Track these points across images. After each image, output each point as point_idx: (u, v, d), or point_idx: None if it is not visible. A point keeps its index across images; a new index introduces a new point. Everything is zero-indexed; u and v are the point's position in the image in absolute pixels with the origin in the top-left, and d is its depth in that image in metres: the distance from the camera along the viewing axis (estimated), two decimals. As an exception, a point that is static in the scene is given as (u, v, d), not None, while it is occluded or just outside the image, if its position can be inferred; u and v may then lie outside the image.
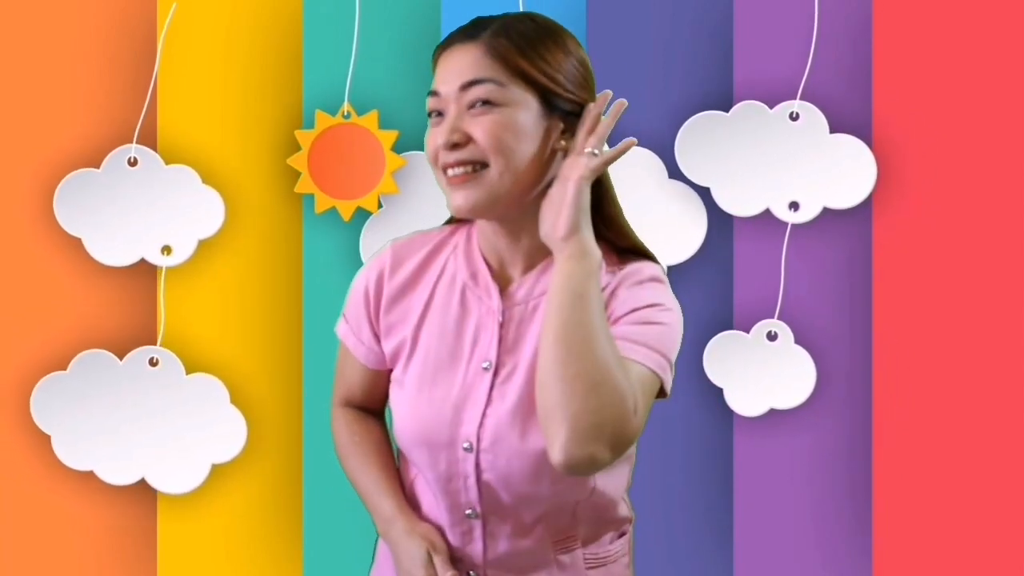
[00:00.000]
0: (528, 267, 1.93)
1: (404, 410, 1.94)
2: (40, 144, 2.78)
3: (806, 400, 2.76)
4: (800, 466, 2.80)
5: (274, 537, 2.83)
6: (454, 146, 1.84)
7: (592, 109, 1.89)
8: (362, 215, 2.75)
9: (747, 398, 2.77)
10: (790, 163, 2.73)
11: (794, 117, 2.73)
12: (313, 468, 2.80)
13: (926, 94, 2.75)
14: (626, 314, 1.87)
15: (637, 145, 1.91)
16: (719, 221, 2.76)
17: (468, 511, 1.92)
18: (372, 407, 2.11)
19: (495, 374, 1.89)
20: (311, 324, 2.80)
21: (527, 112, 1.85)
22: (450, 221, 2.05)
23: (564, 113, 1.88)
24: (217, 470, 2.77)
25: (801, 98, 2.74)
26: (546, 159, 1.88)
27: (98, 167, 2.74)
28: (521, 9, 2.68)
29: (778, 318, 2.77)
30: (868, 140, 2.72)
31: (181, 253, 2.75)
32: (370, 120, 2.72)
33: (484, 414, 1.88)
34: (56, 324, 2.79)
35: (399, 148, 2.73)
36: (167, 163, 2.75)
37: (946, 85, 2.74)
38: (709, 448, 2.82)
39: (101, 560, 2.83)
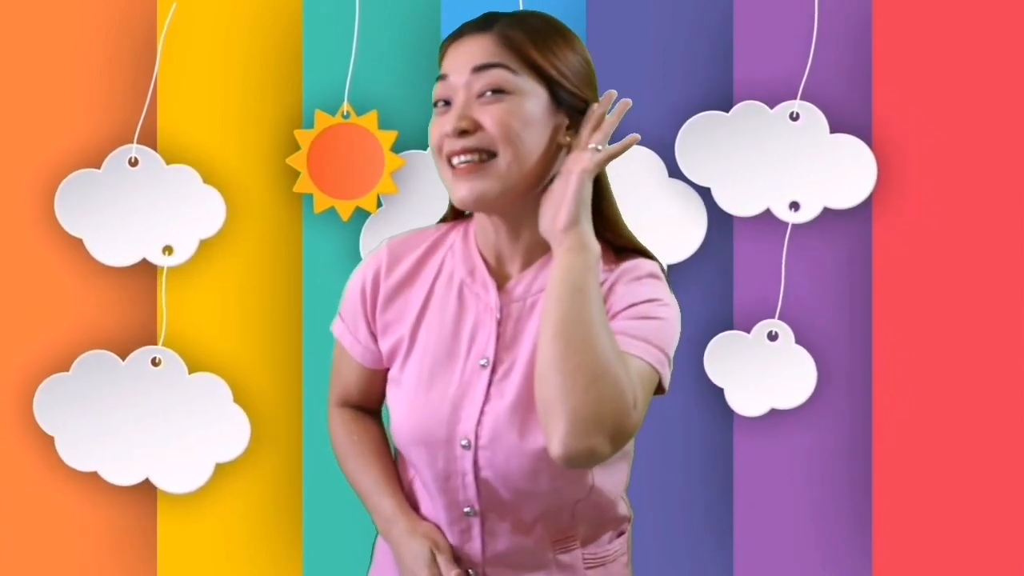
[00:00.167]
0: (526, 264, 1.94)
1: (402, 408, 1.94)
2: (41, 145, 2.78)
3: (807, 400, 2.75)
4: (800, 466, 2.80)
5: (274, 537, 2.83)
6: (462, 133, 1.84)
7: (597, 107, 1.90)
8: (361, 215, 2.75)
9: (748, 398, 2.77)
10: (790, 163, 2.73)
11: (794, 117, 2.73)
12: (313, 467, 2.81)
13: (926, 94, 2.75)
14: (624, 309, 1.87)
15: (637, 144, 1.92)
16: (719, 221, 2.76)
17: (466, 509, 1.92)
18: (369, 406, 2.11)
19: (493, 371, 1.89)
20: (311, 323, 2.80)
21: (536, 103, 1.86)
22: (445, 219, 2.05)
23: (569, 109, 1.89)
24: (217, 469, 2.77)
25: (801, 98, 2.73)
26: (551, 153, 1.89)
27: (99, 167, 2.74)
28: (521, 9, 2.68)
29: (779, 318, 2.77)
30: (868, 140, 2.72)
31: (182, 253, 2.75)
32: (369, 120, 2.72)
33: (482, 411, 1.88)
34: (58, 325, 2.79)
35: (398, 148, 2.73)
36: (168, 163, 2.75)
37: (946, 85, 2.74)
38: (709, 448, 2.82)
39: (102, 560, 2.83)
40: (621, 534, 2.06)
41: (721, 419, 2.80)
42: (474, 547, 1.95)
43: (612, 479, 1.98)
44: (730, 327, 2.78)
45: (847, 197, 2.73)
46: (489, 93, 1.84)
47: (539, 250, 1.92)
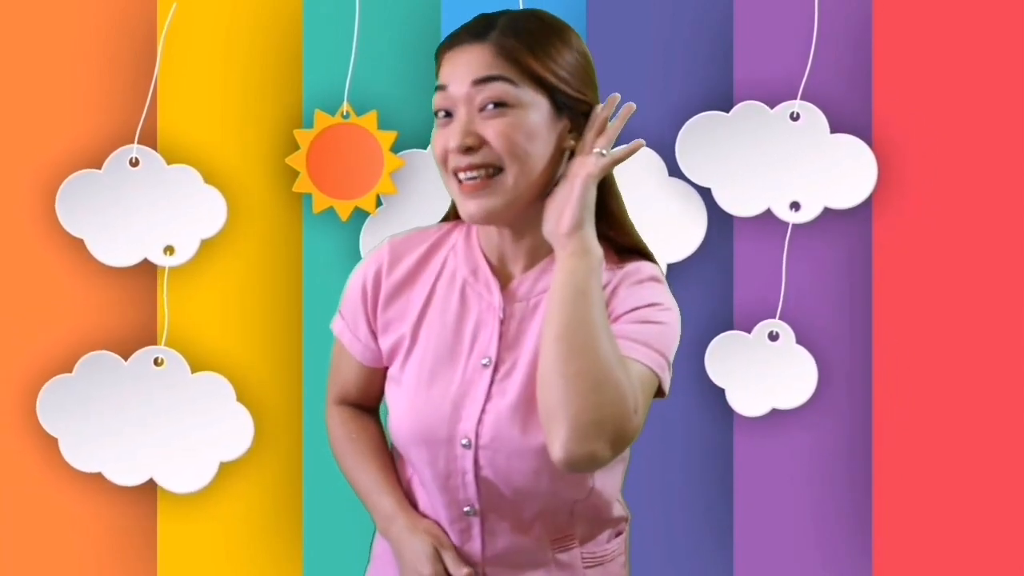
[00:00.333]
0: (529, 264, 1.94)
1: (402, 407, 1.94)
2: (41, 145, 2.78)
3: (808, 400, 2.75)
4: (801, 466, 2.80)
5: (274, 536, 2.83)
6: (467, 150, 1.84)
7: (601, 111, 1.89)
8: (360, 214, 2.75)
9: (749, 398, 2.77)
10: (791, 163, 2.73)
11: (795, 117, 2.73)
12: (313, 467, 2.81)
13: (926, 94, 2.75)
14: (626, 312, 1.87)
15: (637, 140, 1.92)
16: (719, 221, 2.76)
17: (466, 508, 1.92)
18: (367, 404, 2.11)
19: (495, 370, 1.89)
20: (311, 322, 2.80)
21: (538, 113, 1.85)
22: (446, 218, 2.05)
23: (571, 112, 1.89)
24: (220, 469, 2.77)
25: (802, 98, 2.73)
26: (556, 160, 1.89)
27: (100, 168, 2.74)
28: (521, 8, 2.68)
29: (779, 318, 2.76)
30: (868, 140, 2.72)
31: (184, 253, 2.75)
32: (369, 120, 2.72)
33: (483, 410, 1.88)
34: (60, 326, 2.79)
35: (398, 148, 2.73)
36: (168, 163, 2.75)
37: (946, 85, 2.74)
38: (711, 448, 2.82)
39: (103, 560, 2.83)
40: (619, 534, 2.06)
41: (722, 419, 2.80)
42: (474, 546, 1.95)
43: (610, 481, 1.98)
44: (730, 327, 2.78)
45: (847, 197, 2.73)
46: (491, 107, 1.84)
47: (542, 251, 1.92)
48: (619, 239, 1.97)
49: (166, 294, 2.76)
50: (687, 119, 2.74)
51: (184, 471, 2.77)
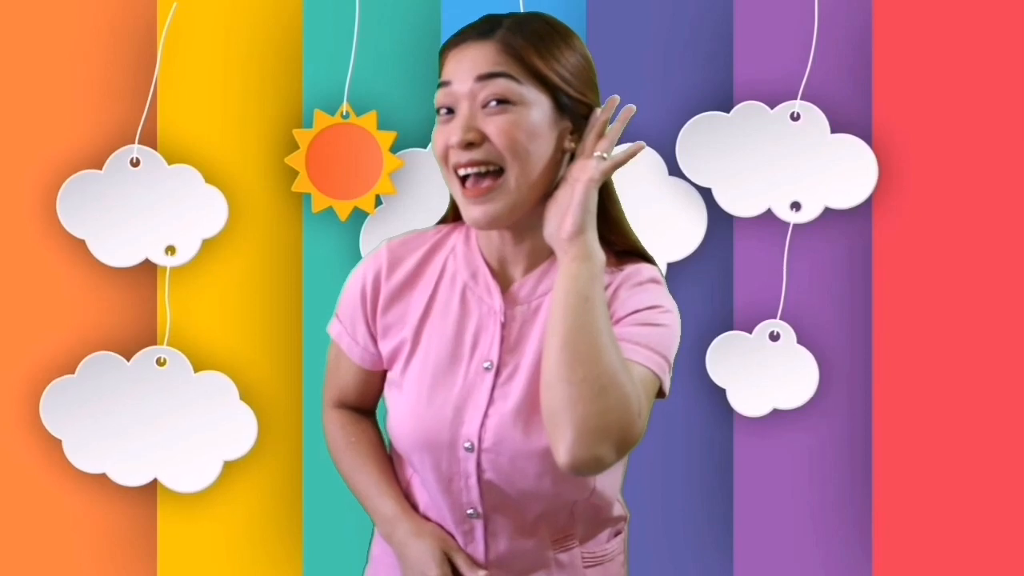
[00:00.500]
0: (529, 267, 1.93)
1: (403, 412, 1.94)
2: (42, 146, 2.78)
3: (809, 400, 2.75)
4: (802, 466, 2.80)
5: (274, 536, 2.83)
6: (468, 145, 1.84)
7: (601, 114, 1.89)
8: (360, 214, 2.75)
9: (750, 398, 2.77)
10: (791, 163, 2.73)
11: (795, 117, 2.73)
12: (313, 467, 2.81)
13: (926, 94, 2.74)
14: (627, 315, 1.87)
15: (637, 141, 1.92)
16: (719, 221, 2.76)
17: (469, 511, 1.92)
18: (364, 407, 2.11)
19: (497, 374, 1.89)
20: (311, 321, 2.80)
21: (540, 112, 1.85)
22: (444, 220, 2.05)
23: (573, 114, 1.89)
24: (223, 468, 2.78)
25: (802, 98, 2.73)
26: (556, 161, 1.89)
27: (100, 168, 2.74)
28: (522, 9, 2.68)
29: (780, 318, 2.76)
30: (868, 140, 2.72)
31: (185, 253, 2.75)
32: (369, 120, 2.72)
33: (486, 414, 1.88)
34: (62, 327, 2.79)
35: (397, 147, 2.73)
36: (169, 163, 2.75)
37: (946, 85, 2.74)
38: (713, 449, 2.81)
39: (107, 561, 2.83)
40: (618, 534, 2.07)
41: (723, 419, 2.80)
42: (477, 549, 1.95)
43: (611, 481, 1.98)
44: (730, 327, 2.78)
45: (848, 197, 2.73)
46: (494, 103, 1.84)
47: (542, 254, 1.93)
48: (618, 242, 1.97)
49: (168, 294, 2.77)
50: (687, 119, 2.75)
51: (188, 471, 2.77)
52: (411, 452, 1.93)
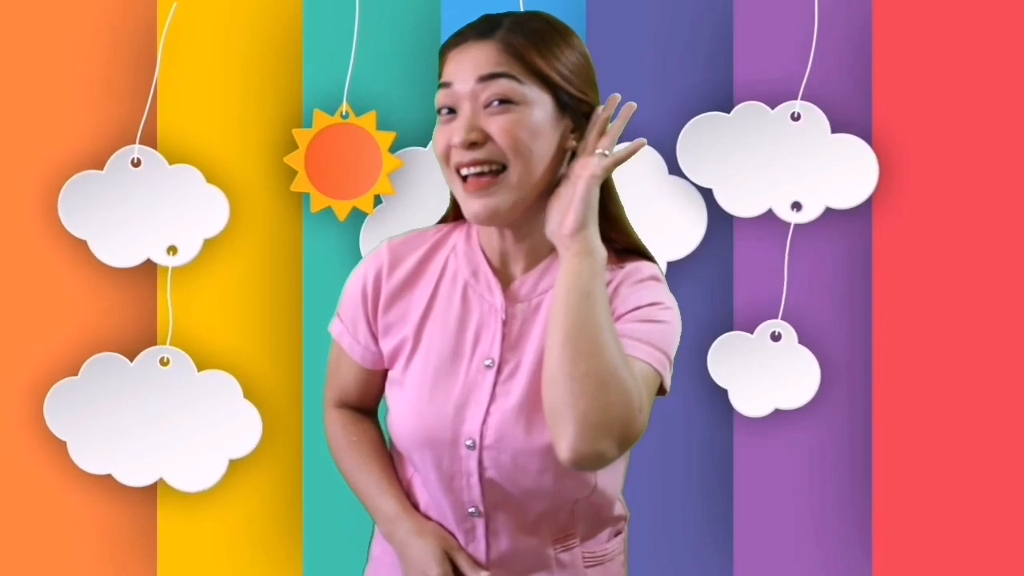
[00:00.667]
0: (530, 265, 1.94)
1: (405, 410, 1.94)
2: (43, 147, 2.78)
3: (811, 400, 2.75)
4: (803, 466, 2.80)
5: (274, 536, 2.83)
6: (471, 145, 1.84)
7: (602, 112, 1.90)
8: (359, 213, 2.75)
9: (752, 399, 2.77)
10: (792, 163, 2.73)
11: (795, 117, 2.73)
12: (313, 467, 2.81)
13: (926, 94, 2.74)
14: (628, 312, 1.88)
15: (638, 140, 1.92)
16: (720, 221, 2.76)
17: (471, 509, 1.92)
18: (366, 407, 2.11)
19: (498, 371, 1.90)
20: (312, 320, 2.80)
21: (542, 111, 1.85)
22: (445, 219, 2.05)
23: (574, 112, 1.89)
24: (229, 466, 2.78)
25: (802, 98, 2.73)
26: (558, 159, 1.89)
27: (102, 168, 2.74)
28: (522, 9, 2.68)
29: (782, 318, 2.76)
30: (868, 140, 2.72)
31: (187, 253, 2.75)
32: (368, 121, 2.72)
33: (487, 412, 1.88)
34: (64, 328, 2.79)
35: (397, 147, 2.73)
36: (170, 163, 2.75)
37: (946, 85, 2.74)
38: (713, 449, 2.81)
39: (113, 562, 2.82)
40: (618, 533, 2.07)
41: (724, 420, 2.80)
42: (478, 547, 1.96)
43: (612, 480, 1.99)
44: (730, 327, 2.78)
45: (849, 197, 2.72)
46: (496, 103, 1.84)
47: (543, 251, 1.93)
48: (619, 240, 1.97)
49: (170, 294, 2.77)
50: (687, 119, 2.75)
51: (194, 470, 2.77)
52: (412, 450, 1.93)
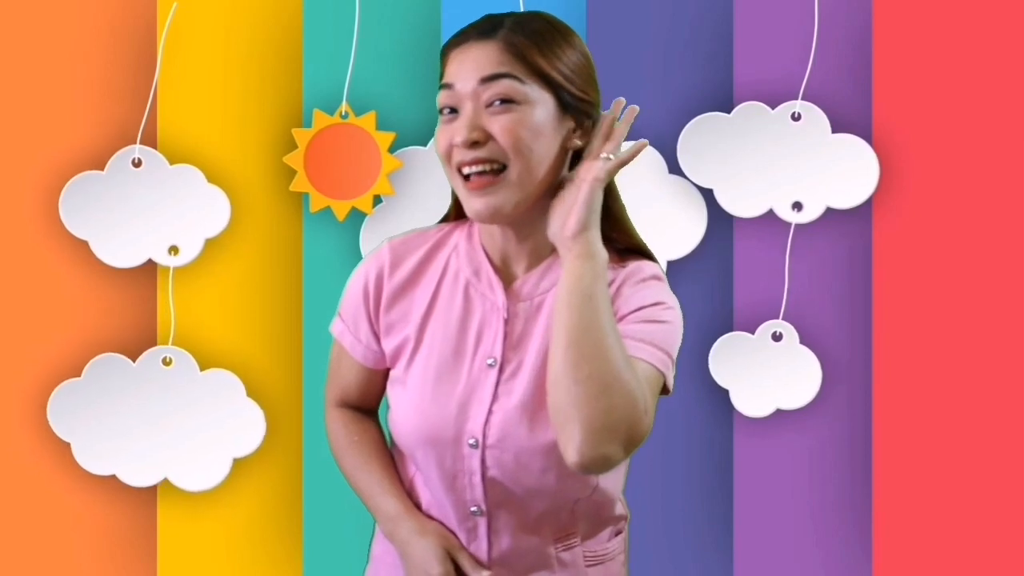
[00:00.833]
0: (532, 264, 1.94)
1: (407, 408, 1.94)
2: (43, 148, 2.77)
3: (812, 400, 2.75)
4: (802, 466, 2.80)
5: (274, 536, 2.83)
6: (473, 144, 1.84)
7: (607, 115, 1.90)
8: (358, 213, 2.75)
9: (753, 399, 2.77)
10: (793, 164, 2.73)
11: (796, 117, 2.73)
12: (313, 467, 2.81)
13: (926, 94, 2.74)
14: (631, 312, 1.88)
15: (638, 140, 1.92)
16: (720, 221, 2.76)
17: (473, 508, 1.93)
18: (367, 407, 2.11)
19: (500, 370, 1.90)
20: (312, 319, 2.80)
21: (544, 111, 1.86)
22: (446, 219, 2.05)
23: (576, 112, 1.90)
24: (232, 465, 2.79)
25: (802, 98, 2.73)
26: (560, 159, 1.90)
27: (102, 169, 2.74)
28: (522, 9, 2.68)
29: (783, 319, 2.76)
30: (868, 140, 2.72)
31: (188, 253, 2.75)
32: (368, 121, 2.72)
33: (490, 410, 1.89)
34: (66, 330, 2.78)
35: (397, 146, 2.73)
36: (171, 163, 2.75)
37: (946, 85, 2.74)
38: (713, 449, 2.81)
39: (119, 563, 2.83)
40: (619, 533, 2.08)
41: (725, 420, 2.80)
42: (480, 547, 1.96)
43: (613, 480, 1.99)
44: (730, 328, 2.78)
45: (850, 197, 2.72)
46: (498, 103, 1.84)
47: (545, 250, 1.93)
48: (620, 239, 1.98)
49: (172, 294, 2.77)
50: (687, 119, 2.75)
51: (198, 469, 2.77)
52: (415, 449, 1.94)
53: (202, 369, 2.76)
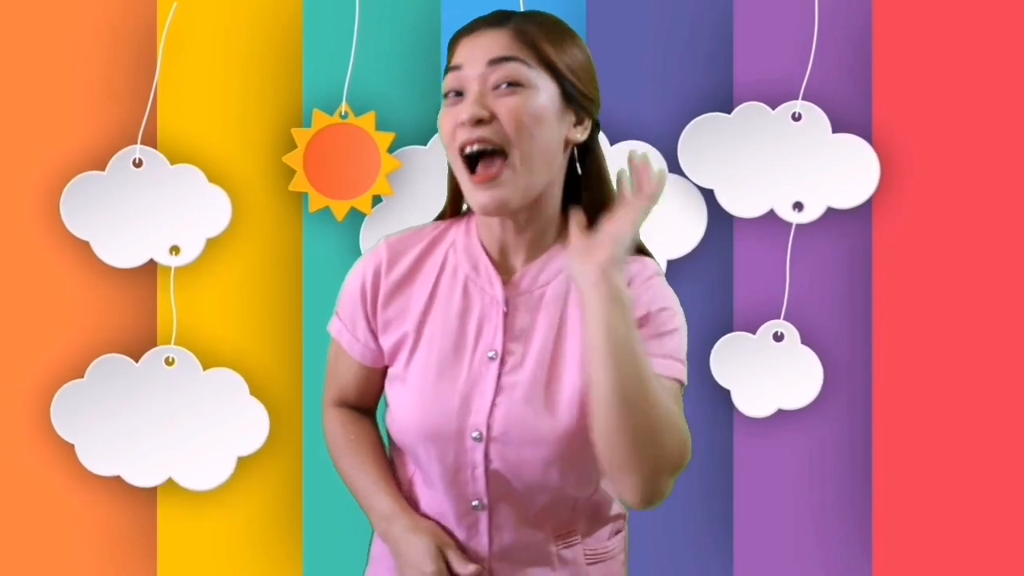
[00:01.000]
0: (531, 257, 1.95)
1: (409, 404, 1.94)
2: (44, 148, 2.78)
3: (813, 400, 2.75)
4: (802, 466, 2.80)
5: (273, 536, 2.83)
6: (478, 122, 1.85)
7: (640, 159, 1.85)
8: (357, 214, 2.75)
9: (754, 399, 2.77)
10: (793, 164, 2.73)
11: (796, 117, 2.73)
12: (313, 467, 2.81)
13: (926, 94, 2.74)
14: (639, 318, 1.88)
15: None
16: (721, 221, 2.76)
17: (475, 502, 1.93)
18: (365, 406, 2.11)
19: (502, 363, 1.91)
20: (312, 319, 2.81)
21: (548, 99, 1.87)
22: (442, 216, 2.06)
23: (577, 106, 1.91)
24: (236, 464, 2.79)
25: (803, 98, 2.73)
26: (560, 149, 1.91)
27: (103, 169, 2.75)
28: (522, 9, 2.68)
29: (784, 319, 2.76)
30: (869, 140, 2.72)
31: (189, 253, 2.76)
32: (367, 121, 2.72)
33: (493, 403, 1.89)
34: (68, 331, 2.79)
35: (396, 146, 2.73)
36: (172, 163, 2.76)
37: (946, 85, 2.74)
38: (713, 449, 2.81)
39: (125, 563, 2.83)
40: (619, 532, 2.08)
41: (726, 420, 2.80)
42: (481, 542, 1.96)
43: (612, 480, 1.99)
44: (730, 328, 2.78)
45: (850, 197, 2.73)
46: (504, 86, 1.86)
47: (544, 243, 1.95)
48: None
49: (173, 294, 2.77)
50: (688, 120, 2.75)
51: (202, 468, 2.77)
52: (416, 444, 1.94)
53: (205, 368, 2.77)
